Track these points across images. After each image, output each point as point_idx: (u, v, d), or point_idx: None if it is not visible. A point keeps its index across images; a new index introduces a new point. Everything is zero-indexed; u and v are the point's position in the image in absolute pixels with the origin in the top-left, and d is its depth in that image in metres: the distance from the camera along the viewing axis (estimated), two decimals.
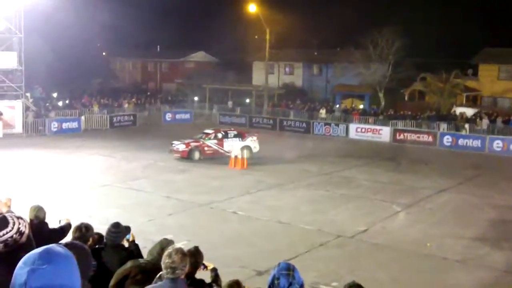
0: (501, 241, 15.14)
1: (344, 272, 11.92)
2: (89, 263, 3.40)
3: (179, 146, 26.91)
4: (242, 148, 26.72)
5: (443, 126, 37.19)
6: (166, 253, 4.78)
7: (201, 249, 5.93)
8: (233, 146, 26.80)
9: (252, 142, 27.85)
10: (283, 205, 18.55)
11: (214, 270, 6.21)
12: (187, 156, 26.61)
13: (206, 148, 27.23)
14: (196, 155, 26.83)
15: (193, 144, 27.01)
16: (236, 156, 25.27)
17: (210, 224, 16.10)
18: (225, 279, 6.80)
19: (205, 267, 6.16)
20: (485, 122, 37.09)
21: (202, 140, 27.50)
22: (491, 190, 22.00)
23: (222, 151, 27.33)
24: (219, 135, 27.84)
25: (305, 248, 13.96)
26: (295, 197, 19.81)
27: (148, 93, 57.84)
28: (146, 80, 69.95)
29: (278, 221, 16.50)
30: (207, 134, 27.95)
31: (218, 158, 26.55)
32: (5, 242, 3.29)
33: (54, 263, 2.09)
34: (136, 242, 7.17)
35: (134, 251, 6.63)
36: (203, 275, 6.18)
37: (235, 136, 28.07)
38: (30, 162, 24.72)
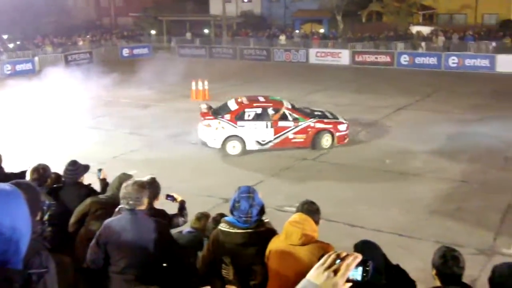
0: (457, 153, 15.73)
1: (308, 192, 12.19)
2: (37, 200, 3.33)
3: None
4: None
5: (400, 45, 37.49)
6: (123, 185, 4.91)
7: (169, 181, 6.09)
8: None
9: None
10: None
11: (181, 202, 6.35)
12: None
13: None
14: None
15: None
16: (197, 89, 25.05)
17: (176, 157, 16.21)
18: (193, 209, 7.05)
19: (174, 199, 6.32)
20: (441, 39, 37.49)
21: None
22: (447, 105, 22.64)
23: None
24: None
25: (271, 173, 14.30)
26: None
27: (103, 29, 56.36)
28: (100, 15, 67.94)
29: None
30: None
31: (180, 89, 26.39)
32: None
33: None
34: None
35: (93, 188, 6.67)
36: (173, 207, 6.39)
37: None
38: None
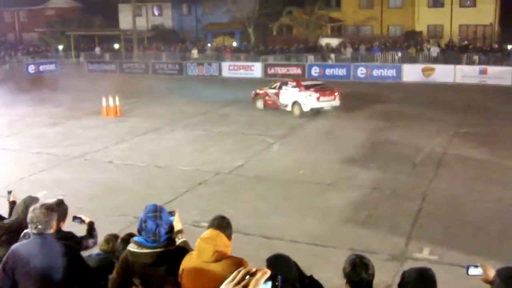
0: (368, 161, 16.18)
1: (225, 207, 12.22)
2: None
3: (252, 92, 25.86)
4: (294, 104, 23.65)
5: (311, 57, 38.42)
6: (31, 209, 4.69)
7: (80, 201, 5.86)
8: (286, 99, 24.04)
9: (306, 98, 23.29)
10: (161, 149, 18.46)
11: (89, 224, 6.17)
12: (253, 102, 25.64)
13: (267, 98, 24.99)
14: (259, 103, 25.37)
15: (259, 91, 25.55)
16: (108, 105, 24.44)
17: (87, 176, 15.69)
18: (105, 229, 6.80)
19: (82, 221, 6.09)
20: (349, 50, 38.80)
21: (265, 88, 25.46)
22: (357, 114, 23.35)
23: (278, 103, 24.46)
24: (279, 85, 24.83)
25: (185, 189, 14.09)
26: (173, 140, 19.78)
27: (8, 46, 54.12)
28: (4, 31, 65.29)
29: (157, 166, 16.45)
30: (274, 82, 25.76)
31: (90, 106, 25.68)
32: None
33: None
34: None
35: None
36: (81, 228, 6.13)
37: (294, 87, 24.00)
38: None
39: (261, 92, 25.31)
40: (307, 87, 23.70)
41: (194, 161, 16.68)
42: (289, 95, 23.85)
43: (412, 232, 10.93)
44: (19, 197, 6.35)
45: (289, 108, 23.80)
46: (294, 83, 24.14)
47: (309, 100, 23.16)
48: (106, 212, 11.92)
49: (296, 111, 23.46)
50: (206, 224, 11.03)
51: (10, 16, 65.49)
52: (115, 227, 9.18)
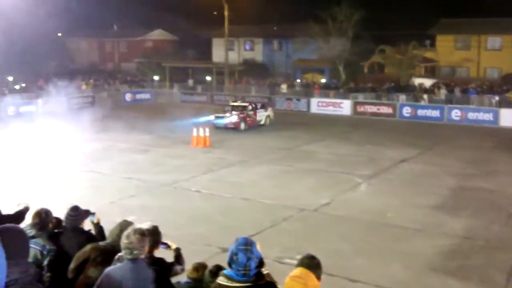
0: (459, 208, 15.48)
1: (308, 245, 12.01)
2: (24, 243, 3.55)
3: (232, 118, 29.89)
4: (266, 117, 31.97)
5: (402, 97, 37.68)
6: (124, 234, 4.77)
7: (166, 228, 5.91)
8: (261, 116, 31.60)
9: (270, 112, 32.66)
10: (245, 182, 18.57)
11: (177, 250, 6.18)
12: (238, 127, 29.81)
13: (248, 119, 30.56)
14: (243, 125, 30.08)
15: (241, 116, 30.21)
16: (198, 135, 25.05)
17: (174, 203, 16.02)
18: (190, 258, 6.80)
19: (168, 247, 6.13)
20: (443, 92, 37.73)
21: (245, 111, 30.66)
22: (449, 158, 22.50)
23: (256, 120, 31.21)
24: (252, 107, 31.43)
25: (269, 223, 14.03)
26: (258, 173, 19.84)
27: (107, 74, 56.85)
28: (104, 60, 68.86)
29: (241, 198, 16.52)
30: (245, 106, 31.19)
31: (181, 136, 26.35)
32: None
33: None
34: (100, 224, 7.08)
35: (93, 234, 6.57)
36: (167, 254, 6.17)
37: (261, 107, 32.29)
38: None
39: (243, 115, 30.29)
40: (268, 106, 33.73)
41: (279, 196, 16.61)
42: (262, 113, 31.82)
43: (507, 287, 10.26)
44: (110, 221, 6.48)
45: (262, 122, 31.69)
46: (261, 104, 33.13)
47: (272, 113, 32.89)
48: (191, 241, 12.03)
49: (267, 122, 32.01)
50: (288, 261, 10.96)
51: (111, 46, 69.05)
52: (199, 256, 9.16)
